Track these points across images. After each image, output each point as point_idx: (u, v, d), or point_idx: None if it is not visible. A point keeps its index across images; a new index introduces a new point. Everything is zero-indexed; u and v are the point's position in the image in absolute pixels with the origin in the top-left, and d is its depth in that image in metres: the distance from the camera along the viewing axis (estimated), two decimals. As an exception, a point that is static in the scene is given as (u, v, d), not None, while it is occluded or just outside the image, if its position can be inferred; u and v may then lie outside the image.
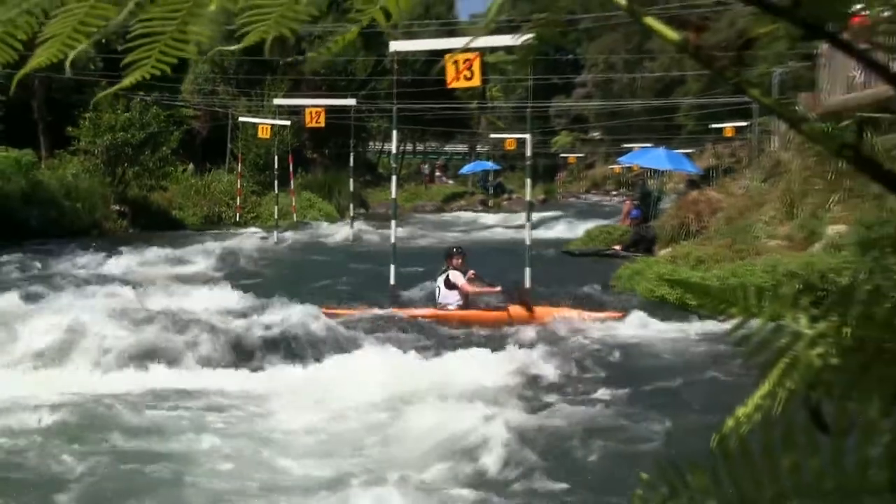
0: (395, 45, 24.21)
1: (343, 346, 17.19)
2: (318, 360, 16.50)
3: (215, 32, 1.46)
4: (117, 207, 47.44)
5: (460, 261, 21.65)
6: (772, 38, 1.74)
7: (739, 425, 1.64)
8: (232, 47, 1.43)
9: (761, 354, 1.67)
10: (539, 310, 20.37)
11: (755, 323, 1.71)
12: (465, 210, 68.84)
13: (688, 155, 40.09)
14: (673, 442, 11.02)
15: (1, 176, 41.63)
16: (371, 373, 14.93)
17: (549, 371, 15.36)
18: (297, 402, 14.05)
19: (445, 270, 21.33)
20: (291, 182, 49.24)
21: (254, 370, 16.00)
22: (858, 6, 1.46)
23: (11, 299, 19.64)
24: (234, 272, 29.64)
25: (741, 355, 1.69)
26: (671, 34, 1.50)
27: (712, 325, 16.19)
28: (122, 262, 31.20)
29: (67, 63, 1.41)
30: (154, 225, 46.31)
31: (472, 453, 11.16)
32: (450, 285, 21.08)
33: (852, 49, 1.54)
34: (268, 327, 17.60)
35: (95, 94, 24.39)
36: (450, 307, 21.06)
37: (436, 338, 18.51)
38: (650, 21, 1.55)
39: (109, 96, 46.87)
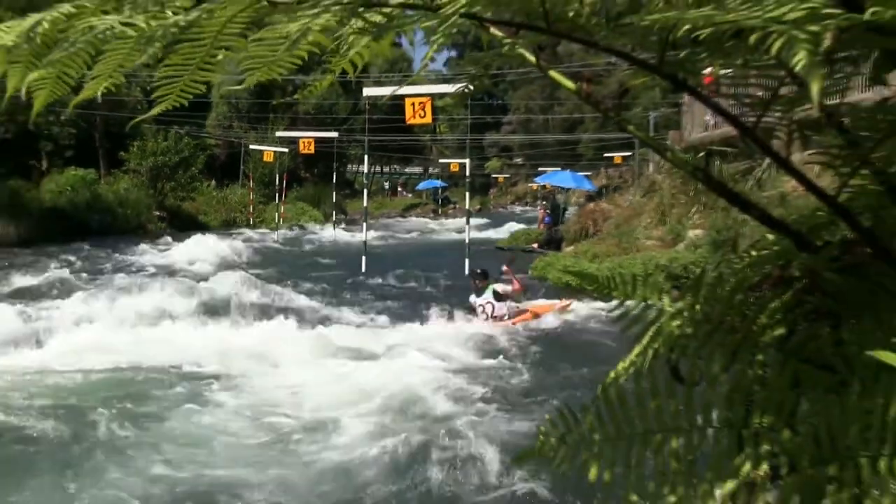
0: (367, 91, 24.52)
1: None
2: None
3: (225, 75, 1.47)
4: (157, 213, 47.56)
5: (486, 280, 17.57)
6: (646, 88, 1.75)
7: (618, 377, 1.65)
8: (238, 86, 1.42)
9: (635, 326, 1.69)
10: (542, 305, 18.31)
11: (631, 303, 1.73)
12: (420, 217, 69.15)
13: (587, 176, 40.22)
14: (568, 391, 11.01)
15: (72, 189, 42.89)
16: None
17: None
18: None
19: (481, 290, 17.27)
20: (284, 195, 49.39)
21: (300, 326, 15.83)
22: (707, 69, 1.48)
23: (82, 277, 21.11)
24: (247, 260, 29.76)
25: (620, 327, 1.71)
26: (569, 84, 1.50)
27: (603, 304, 16.22)
28: (163, 253, 31.71)
29: (98, 93, 1.41)
30: (185, 227, 46.18)
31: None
32: (500, 297, 17.19)
33: (705, 98, 1.55)
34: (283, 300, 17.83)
35: (142, 130, 24.52)
36: (506, 317, 17.07)
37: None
38: (554, 74, 1.55)
39: (152, 127, 47.45)
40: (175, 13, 1.29)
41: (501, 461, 8.57)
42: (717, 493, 1.36)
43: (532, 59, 1.56)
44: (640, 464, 1.49)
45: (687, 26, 1.13)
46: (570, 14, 1.31)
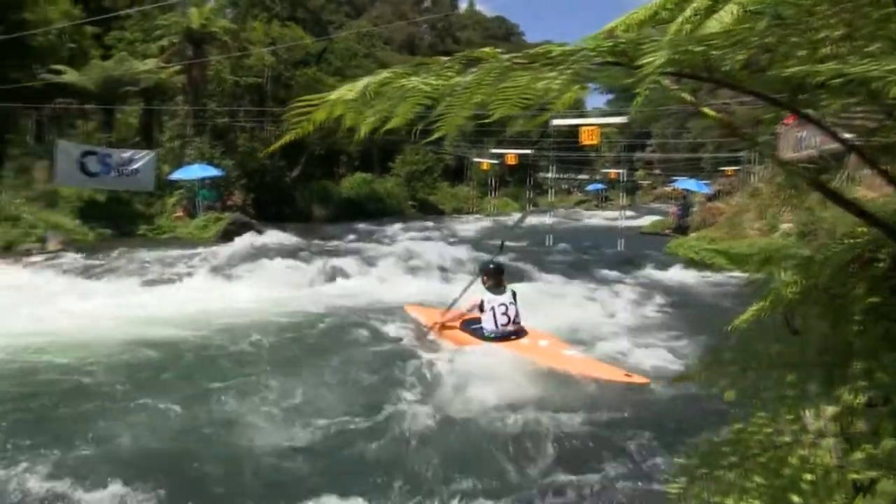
0: (555, 121, 24.22)
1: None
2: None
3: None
4: (411, 202, 48.64)
5: (502, 277, 9.12)
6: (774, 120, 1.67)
7: (742, 323, 1.61)
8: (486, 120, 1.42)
9: (759, 290, 1.63)
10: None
11: (754, 275, 1.68)
12: (586, 209, 68.56)
13: (706, 183, 38.90)
14: (705, 338, 9.76)
15: (359, 187, 45.20)
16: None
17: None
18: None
19: (497, 288, 8.85)
20: (495, 192, 50.17)
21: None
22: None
23: (363, 245, 21.16)
24: (470, 236, 30.14)
25: (750, 292, 1.65)
26: (717, 116, 1.45)
27: (718, 275, 15.82)
28: (417, 228, 32.12)
29: (362, 127, 1.45)
30: (430, 212, 47.33)
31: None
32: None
33: (824, 126, 1.47)
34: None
35: (402, 148, 25.10)
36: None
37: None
38: (706, 110, 1.50)
39: (409, 145, 48.69)
40: (451, 76, 1.31)
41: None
42: (826, 413, 1.29)
43: (689, 98, 1.51)
44: (763, 390, 1.43)
45: (820, 77, 1.06)
46: (725, 67, 1.25)
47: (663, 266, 18.37)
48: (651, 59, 1.09)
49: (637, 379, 7.28)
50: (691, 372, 1.67)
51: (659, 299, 13.57)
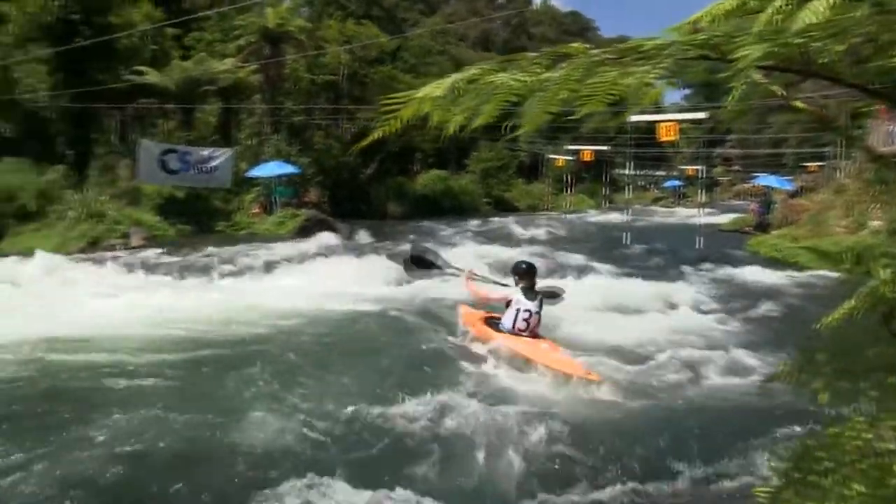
0: (632, 117, 23.86)
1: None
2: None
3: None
4: (486, 200, 48.60)
5: (534, 280, 8.77)
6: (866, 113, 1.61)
7: (834, 320, 1.56)
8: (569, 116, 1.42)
9: (850, 290, 1.59)
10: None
11: (845, 274, 1.63)
12: (663, 206, 67.52)
13: (788, 179, 37.81)
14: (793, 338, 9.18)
15: (434, 184, 45.20)
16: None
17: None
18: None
19: (531, 292, 8.60)
20: (570, 189, 49.85)
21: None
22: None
23: (438, 244, 21.21)
24: (546, 231, 30.00)
25: (846, 291, 1.60)
26: (809, 109, 1.41)
27: (801, 274, 15.44)
28: (491, 225, 32.19)
29: (450, 125, 1.44)
30: (504, 209, 47.25)
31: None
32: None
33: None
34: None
35: (477, 145, 25.23)
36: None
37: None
38: (798, 104, 1.46)
39: (483, 142, 48.74)
40: (539, 72, 1.30)
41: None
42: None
43: (781, 92, 1.47)
44: (861, 393, 1.38)
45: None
46: (823, 59, 1.21)
47: (744, 264, 17.95)
48: (747, 52, 1.06)
49: (590, 376, 7.23)
50: (781, 373, 1.63)
51: (740, 298, 13.24)
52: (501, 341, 8.45)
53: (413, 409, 6.47)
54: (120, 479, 5.15)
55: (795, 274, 15.93)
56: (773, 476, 1.36)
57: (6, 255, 16.68)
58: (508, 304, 8.63)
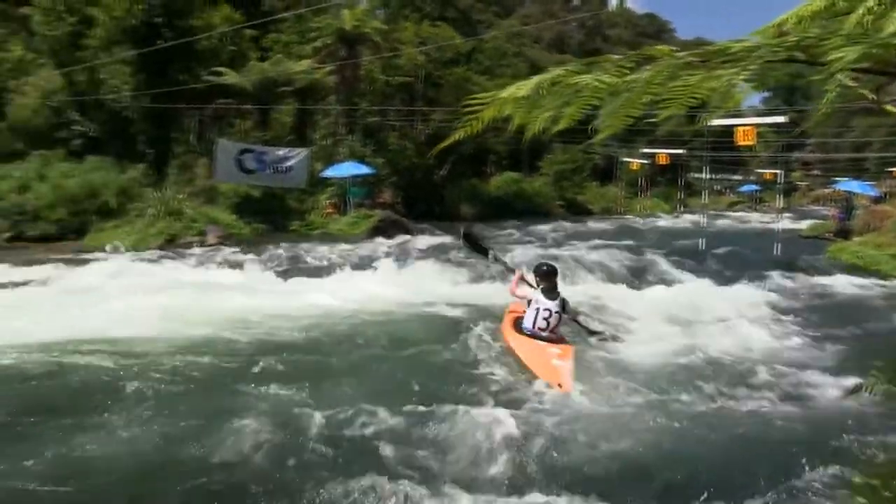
0: (711, 121, 23.54)
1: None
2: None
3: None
4: (559, 202, 48.22)
5: (555, 281, 8.99)
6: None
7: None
8: (655, 119, 1.41)
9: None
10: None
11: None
12: (738, 211, 65.96)
13: (872, 184, 36.57)
14: (877, 349, 8.99)
15: (507, 186, 45.03)
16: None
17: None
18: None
19: (552, 292, 8.81)
20: (645, 193, 49.15)
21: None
22: None
23: (513, 246, 20.94)
24: (617, 233, 29.58)
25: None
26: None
27: (885, 282, 14.98)
28: (565, 229, 32.01)
29: (534, 126, 1.43)
30: (578, 212, 46.74)
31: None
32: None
33: None
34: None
35: (550, 147, 25.08)
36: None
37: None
38: (889, 107, 1.41)
39: (557, 144, 48.49)
40: (624, 74, 1.30)
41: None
42: None
43: (871, 95, 1.43)
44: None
45: None
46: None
47: (824, 272, 17.38)
48: (841, 54, 1.04)
49: (562, 387, 7.25)
50: (867, 384, 1.58)
51: (820, 306, 12.90)
52: (511, 343, 8.71)
53: (414, 414, 6.53)
54: (132, 477, 5.38)
55: (878, 282, 15.43)
56: (853, 495, 1.32)
57: (90, 251, 17.27)
58: (529, 303, 8.84)
